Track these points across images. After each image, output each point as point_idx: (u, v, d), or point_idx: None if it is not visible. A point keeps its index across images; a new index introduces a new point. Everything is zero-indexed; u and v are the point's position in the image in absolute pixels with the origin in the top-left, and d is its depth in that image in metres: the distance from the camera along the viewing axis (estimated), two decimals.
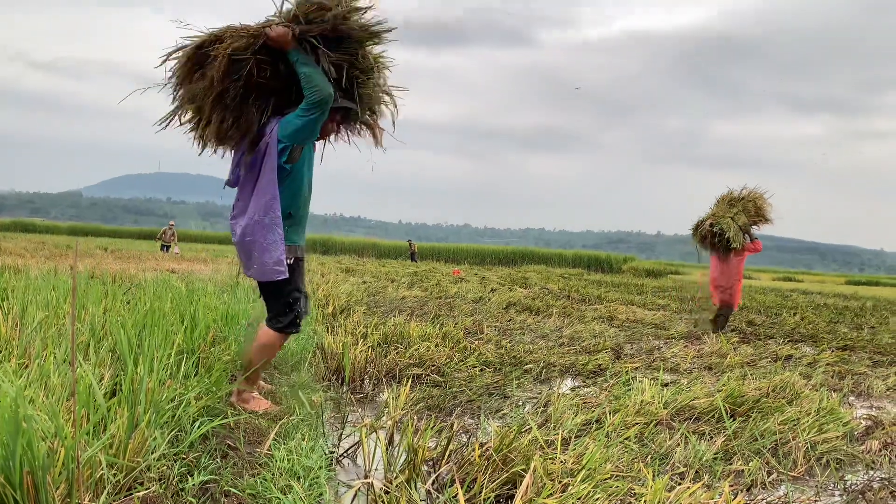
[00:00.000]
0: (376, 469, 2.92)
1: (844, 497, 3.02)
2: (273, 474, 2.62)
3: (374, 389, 4.50)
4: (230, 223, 3.33)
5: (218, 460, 2.76)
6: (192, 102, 3.22)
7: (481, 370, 5.17)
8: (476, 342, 6.39)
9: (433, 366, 5.02)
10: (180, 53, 3.16)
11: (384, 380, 4.70)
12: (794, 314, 12.60)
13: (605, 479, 2.69)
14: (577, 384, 5.15)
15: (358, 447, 3.15)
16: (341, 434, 3.32)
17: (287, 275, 3.21)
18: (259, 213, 3.15)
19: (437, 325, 6.74)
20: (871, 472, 3.41)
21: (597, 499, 2.48)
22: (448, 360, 5.20)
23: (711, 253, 8.69)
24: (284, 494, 2.45)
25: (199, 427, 2.77)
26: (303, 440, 2.98)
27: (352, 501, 2.60)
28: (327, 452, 3.02)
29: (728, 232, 8.20)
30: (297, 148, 3.20)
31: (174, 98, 3.28)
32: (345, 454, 3.12)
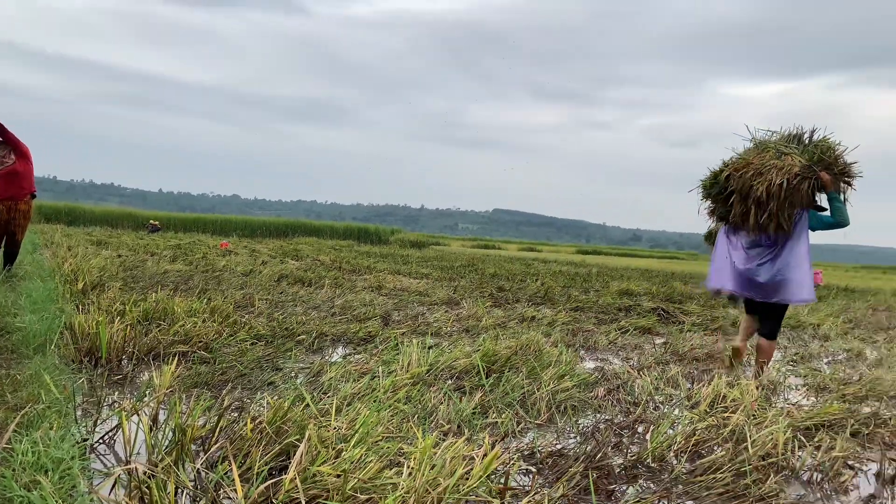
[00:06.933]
0: (138, 453, 2.76)
1: (579, 438, 3.52)
2: (14, 470, 2.36)
3: (134, 370, 4.20)
4: (754, 266, 4.93)
5: None
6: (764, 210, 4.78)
7: (252, 344, 5.07)
8: (247, 316, 6.23)
9: (200, 342, 4.80)
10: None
11: (146, 359, 4.41)
12: (536, 280, 14.05)
13: (377, 442, 2.84)
14: (348, 352, 5.29)
15: (117, 431, 2.94)
16: (97, 419, 3.07)
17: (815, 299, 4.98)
18: (800, 265, 4.77)
19: (205, 300, 6.43)
20: (598, 416, 4.01)
21: (369, 461, 2.60)
22: (217, 336, 5.01)
23: None
24: (29, 491, 2.23)
25: None
26: (51, 429, 2.71)
27: (111, 490, 2.44)
28: (80, 440, 2.79)
29: None
30: None
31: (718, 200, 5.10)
32: (101, 440, 2.91)
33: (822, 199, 4.97)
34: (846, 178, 4.84)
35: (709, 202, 5.22)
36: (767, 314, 5.11)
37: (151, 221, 35.26)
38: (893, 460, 3.47)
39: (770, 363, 5.22)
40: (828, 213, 4.89)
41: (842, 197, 4.86)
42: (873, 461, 3.50)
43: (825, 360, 6.75)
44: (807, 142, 4.94)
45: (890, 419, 4.16)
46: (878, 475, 3.31)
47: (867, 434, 3.86)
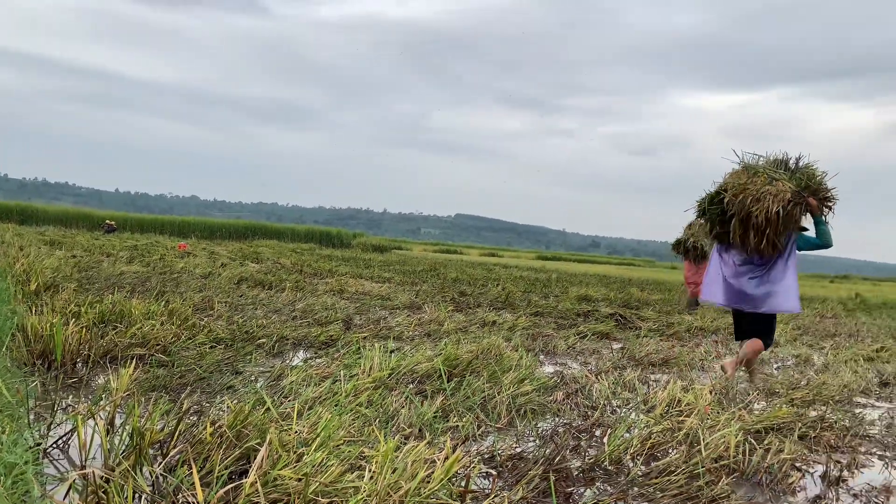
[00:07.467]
0: (94, 458, 2.72)
1: (538, 442, 3.57)
2: None
3: (89, 373, 4.12)
4: (745, 280, 5.32)
5: None
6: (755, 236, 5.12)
7: (212, 347, 5.01)
8: (206, 319, 6.15)
9: (158, 345, 4.73)
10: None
11: (102, 362, 4.32)
12: (497, 285, 14.15)
13: (339, 445, 2.84)
14: (309, 356, 5.26)
15: (72, 436, 2.89)
16: (51, 423, 3.00)
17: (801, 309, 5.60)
18: (786, 279, 5.21)
19: (163, 303, 6.33)
20: (557, 419, 4.08)
21: (331, 465, 2.60)
22: (175, 339, 4.94)
23: (686, 259, 11.94)
24: None
25: None
26: (3, 433, 2.64)
27: (66, 495, 2.39)
28: (33, 445, 2.73)
29: (705, 247, 11.29)
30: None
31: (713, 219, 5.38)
32: (55, 445, 2.85)
33: (804, 221, 5.35)
34: (828, 204, 5.28)
35: (706, 222, 5.58)
36: (756, 323, 5.45)
37: (107, 221, 34.39)
38: (838, 462, 3.61)
39: (742, 363, 5.50)
40: (811, 233, 5.34)
41: (824, 220, 5.29)
42: (819, 463, 3.63)
43: (775, 366, 6.97)
44: (793, 168, 5.31)
45: (835, 423, 4.33)
46: (823, 476, 3.44)
47: (814, 437, 4.01)
